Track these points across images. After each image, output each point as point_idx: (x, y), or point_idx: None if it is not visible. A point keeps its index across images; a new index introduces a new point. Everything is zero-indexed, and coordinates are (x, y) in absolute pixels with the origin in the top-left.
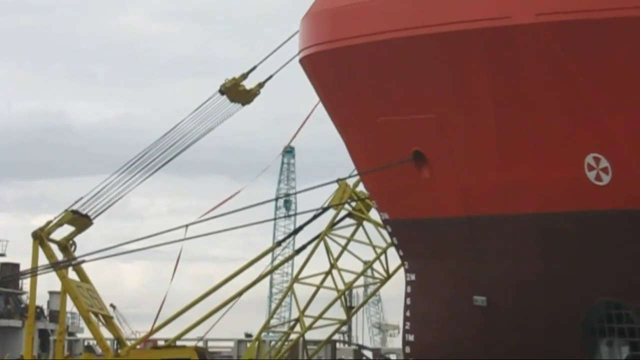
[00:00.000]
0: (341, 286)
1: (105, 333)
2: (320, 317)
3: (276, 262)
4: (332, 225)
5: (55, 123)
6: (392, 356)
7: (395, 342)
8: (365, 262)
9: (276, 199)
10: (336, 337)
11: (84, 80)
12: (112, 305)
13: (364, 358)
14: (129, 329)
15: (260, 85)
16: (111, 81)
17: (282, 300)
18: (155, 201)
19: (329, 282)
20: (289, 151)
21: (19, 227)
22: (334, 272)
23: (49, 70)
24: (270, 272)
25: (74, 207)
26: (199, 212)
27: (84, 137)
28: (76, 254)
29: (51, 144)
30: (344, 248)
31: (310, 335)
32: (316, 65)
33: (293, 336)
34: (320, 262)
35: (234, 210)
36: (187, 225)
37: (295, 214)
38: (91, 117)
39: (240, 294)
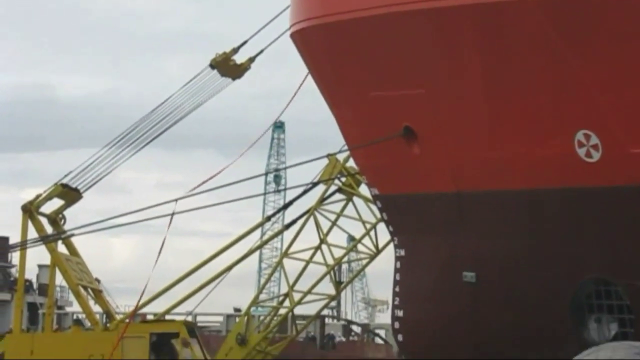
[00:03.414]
0: (330, 261)
1: (95, 307)
2: (309, 292)
3: (265, 237)
4: (322, 200)
5: (42, 96)
6: (381, 331)
7: (382, 317)
8: (352, 238)
9: (266, 174)
10: (325, 312)
11: (72, 54)
12: (96, 279)
13: (352, 333)
14: (113, 303)
15: (251, 59)
16: (100, 55)
17: (271, 275)
18: (143, 175)
19: (318, 257)
20: (279, 126)
21: (7, 201)
22: (324, 247)
23: (38, 43)
24: (260, 247)
25: (64, 181)
26: (187, 187)
27: (70, 110)
28: (65, 227)
29: (38, 117)
30: (334, 223)
31: (299, 310)
32: (307, 41)
33: (282, 311)
34: (309, 237)
35: (223, 185)
36: (176, 200)
37: (285, 189)
38: (78, 90)
39: (229, 268)
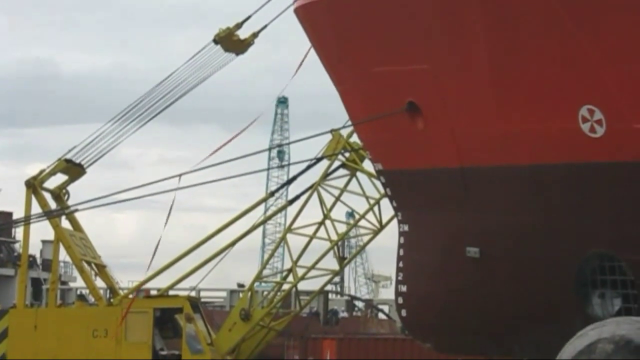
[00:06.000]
0: (334, 237)
1: (98, 282)
2: (313, 267)
3: (269, 212)
4: (326, 175)
5: (46, 72)
6: (385, 307)
7: (386, 293)
8: (352, 214)
9: (269, 149)
10: (328, 287)
11: (76, 30)
12: None
13: (356, 309)
14: (115, 279)
15: (255, 35)
16: (105, 31)
17: (274, 250)
18: (146, 151)
19: (322, 232)
20: (282, 102)
21: (11, 176)
22: (327, 222)
23: (42, 19)
24: (263, 222)
25: (67, 156)
26: (190, 162)
27: (74, 85)
28: (69, 203)
29: (41, 92)
30: (337, 199)
31: (302, 286)
32: (311, 15)
33: (286, 286)
34: (313, 212)
35: (227, 160)
36: (180, 175)
37: (289, 165)
38: (82, 65)
39: (233, 244)
